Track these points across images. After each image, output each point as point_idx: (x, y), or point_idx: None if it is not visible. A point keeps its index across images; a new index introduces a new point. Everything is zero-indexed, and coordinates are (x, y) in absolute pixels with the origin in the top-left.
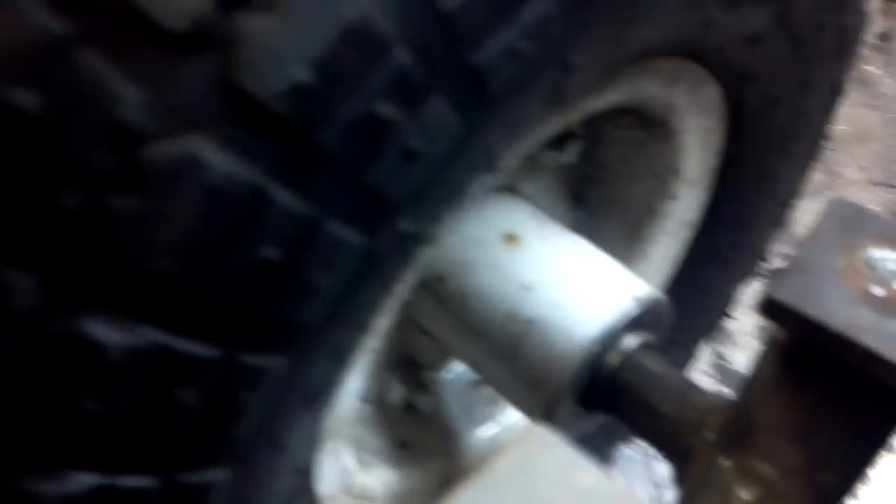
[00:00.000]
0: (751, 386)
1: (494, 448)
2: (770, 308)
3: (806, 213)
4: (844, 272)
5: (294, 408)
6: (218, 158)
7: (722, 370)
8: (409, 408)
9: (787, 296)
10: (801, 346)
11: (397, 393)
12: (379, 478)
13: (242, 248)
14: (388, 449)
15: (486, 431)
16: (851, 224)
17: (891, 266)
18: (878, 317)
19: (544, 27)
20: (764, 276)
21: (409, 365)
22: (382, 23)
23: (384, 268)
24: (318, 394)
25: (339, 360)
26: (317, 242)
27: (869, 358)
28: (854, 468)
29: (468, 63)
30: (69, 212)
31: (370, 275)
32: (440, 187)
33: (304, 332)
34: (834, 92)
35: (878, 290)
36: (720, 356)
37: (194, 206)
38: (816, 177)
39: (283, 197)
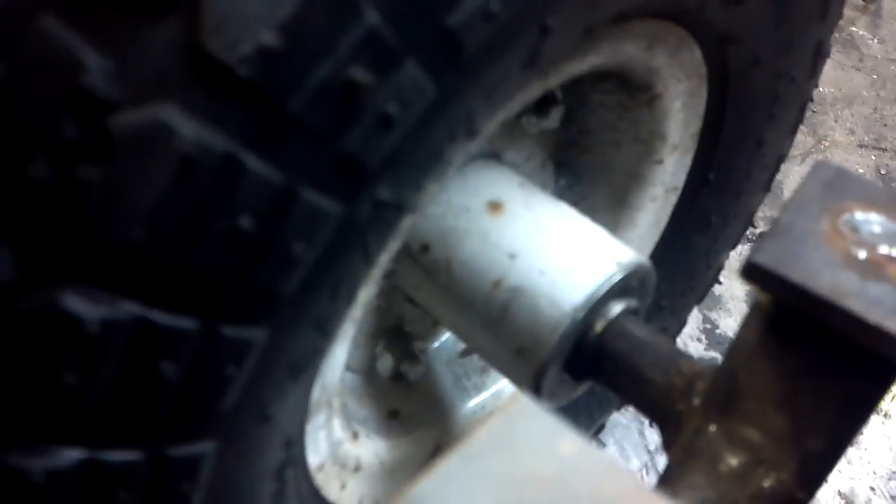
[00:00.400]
0: (735, 351)
1: (484, 417)
2: (753, 272)
3: (793, 177)
4: (828, 235)
5: (279, 380)
6: (187, 125)
7: (711, 335)
8: (399, 377)
9: (770, 260)
10: (785, 310)
11: (386, 363)
12: (369, 448)
13: (216, 218)
14: (378, 419)
15: (476, 400)
16: (835, 187)
17: (875, 228)
18: (862, 280)
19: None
20: (752, 241)
21: (397, 334)
22: None
23: (366, 237)
24: (304, 365)
25: (323, 331)
26: (293, 211)
27: (852, 322)
28: (841, 433)
29: (442, 25)
30: (38, 183)
31: (351, 244)
32: (419, 154)
33: (285, 303)
34: (818, 53)
35: (861, 253)
36: (709, 321)
37: (165, 175)
38: (804, 139)
39: (256, 165)
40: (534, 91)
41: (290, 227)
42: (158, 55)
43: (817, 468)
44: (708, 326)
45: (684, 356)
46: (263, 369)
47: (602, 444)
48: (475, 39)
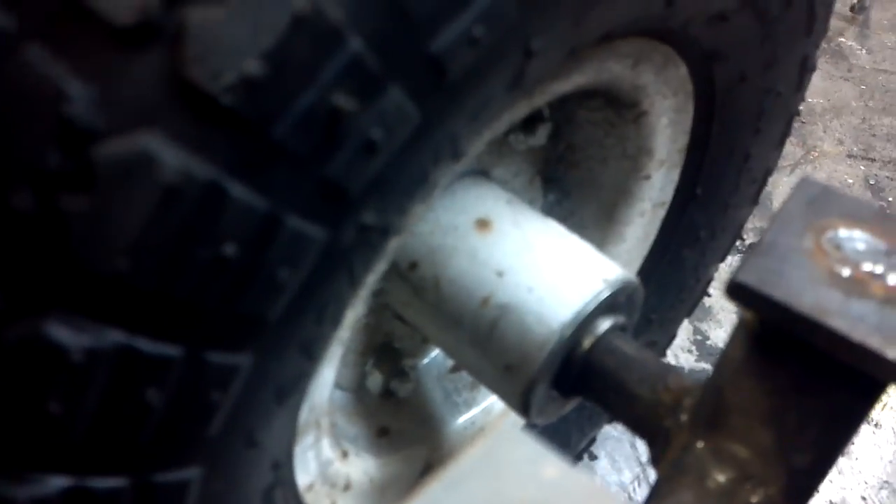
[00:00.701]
0: (722, 367)
1: (475, 432)
2: (736, 291)
3: (782, 188)
4: (811, 253)
5: (266, 405)
6: (171, 155)
7: (702, 346)
8: (389, 395)
9: (753, 278)
10: (770, 328)
11: (376, 380)
12: (359, 466)
13: (200, 246)
14: (368, 437)
15: (467, 416)
16: (819, 204)
17: (858, 246)
18: (845, 298)
19: (501, 12)
20: (742, 252)
21: (387, 351)
22: (334, 11)
23: (351, 261)
24: (291, 389)
25: (309, 354)
26: (278, 238)
27: (835, 340)
28: (828, 449)
29: (425, 51)
30: (21, 213)
31: (336, 269)
32: (404, 178)
33: (270, 328)
34: (804, 68)
35: (845, 271)
36: (700, 332)
37: (149, 205)
38: (793, 150)
39: (241, 192)
40: (520, 111)
41: (274, 253)
42: (142, 84)
43: (805, 483)
44: (699, 338)
45: (672, 372)
46: (249, 395)
47: (594, 457)
48: (459, 64)
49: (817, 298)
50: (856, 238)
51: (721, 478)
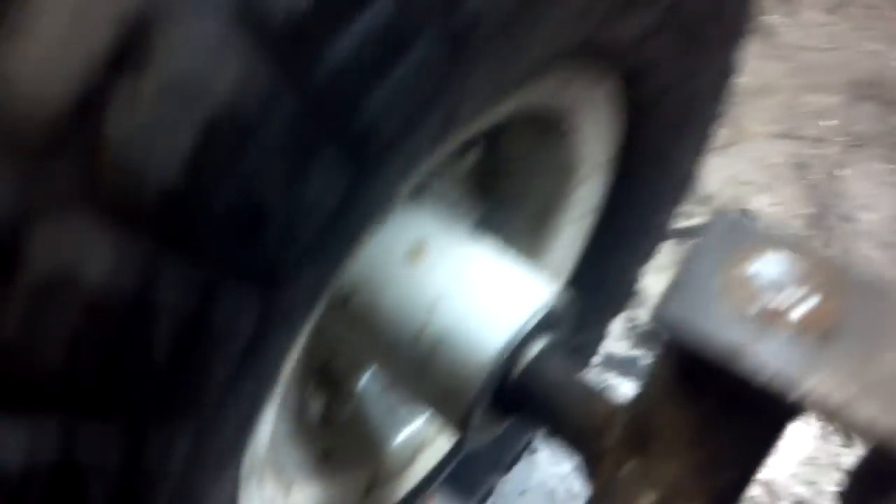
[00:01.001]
0: (648, 390)
1: (418, 445)
2: (658, 323)
3: (710, 168)
4: (726, 288)
5: (207, 475)
6: (93, 269)
7: (635, 333)
8: (329, 418)
9: (671, 316)
10: (691, 358)
11: (315, 406)
12: (304, 494)
13: (130, 352)
14: (311, 462)
15: (411, 428)
16: (733, 236)
17: (772, 277)
18: (758, 332)
19: (428, 73)
20: (673, 237)
21: (326, 373)
22: (249, 109)
23: (291, 319)
24: (232, 451)
25: (249, 414)
26: (211, 330)
27: (749, 376)
28: (752, 464)
29: (349, 125)
30: None
31: (275, 331)
32: (336, 242)
33: (209, 406)
34: (725, 74)
35: (758, 304)
36: (633, 320)
37: (73, 323)
38: (721, 132)
39: (167, 297)
40: (450, 146)
41: (208, 345)
42: (58, 197)
43: (730, 497)
44: (631, 326)
45: (600, 396)
46: (189, 473)
47: (534, 450)
48: (385, 131)
49: (730, 335)
50: (769, 270)
51: (650, 497)
